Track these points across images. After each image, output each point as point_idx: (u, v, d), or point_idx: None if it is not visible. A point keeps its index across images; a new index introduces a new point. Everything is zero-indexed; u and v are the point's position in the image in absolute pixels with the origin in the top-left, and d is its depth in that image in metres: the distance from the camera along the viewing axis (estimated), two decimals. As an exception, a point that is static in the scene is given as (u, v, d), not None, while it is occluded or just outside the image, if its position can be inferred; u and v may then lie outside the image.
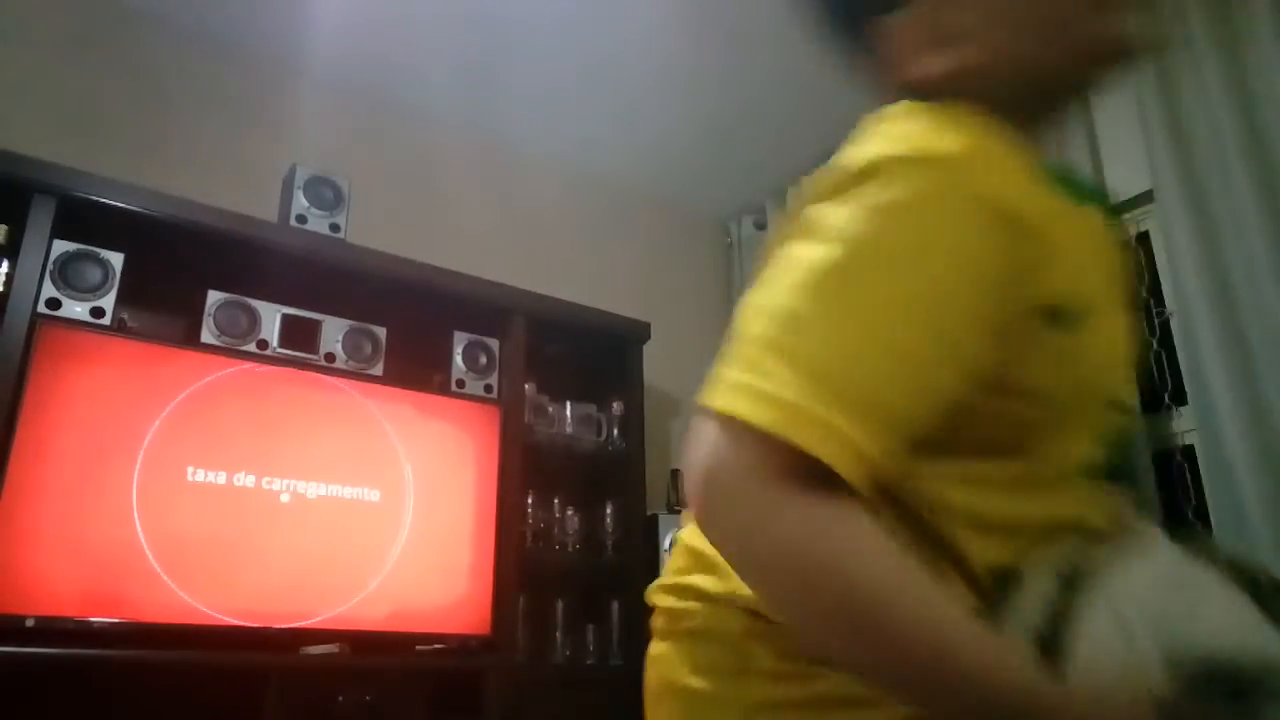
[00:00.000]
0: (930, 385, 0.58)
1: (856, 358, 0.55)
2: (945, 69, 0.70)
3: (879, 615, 0.50)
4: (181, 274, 2.46)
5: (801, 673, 0.62)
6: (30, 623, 1.91)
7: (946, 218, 0.59)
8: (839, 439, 0.53)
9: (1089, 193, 0.75)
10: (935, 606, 0.52)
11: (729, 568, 0.59)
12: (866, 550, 0.52)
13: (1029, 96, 0.70)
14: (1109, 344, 0.68)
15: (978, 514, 0.63)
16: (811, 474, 0.53)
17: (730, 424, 0.55)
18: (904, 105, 0.67)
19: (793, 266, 0.60)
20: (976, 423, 0.62)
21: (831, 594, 0.51)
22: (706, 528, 0.57)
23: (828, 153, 0.69)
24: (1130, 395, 0.94)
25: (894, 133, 0.64)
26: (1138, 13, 0.69)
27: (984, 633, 0.53)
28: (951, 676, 0.50)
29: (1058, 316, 0.62)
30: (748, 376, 0.56)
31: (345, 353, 2.56)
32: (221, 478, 2.23)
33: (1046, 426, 0.65)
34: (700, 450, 0.56)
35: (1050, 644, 0.56)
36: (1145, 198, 2.69)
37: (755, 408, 0.54)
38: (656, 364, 3.35)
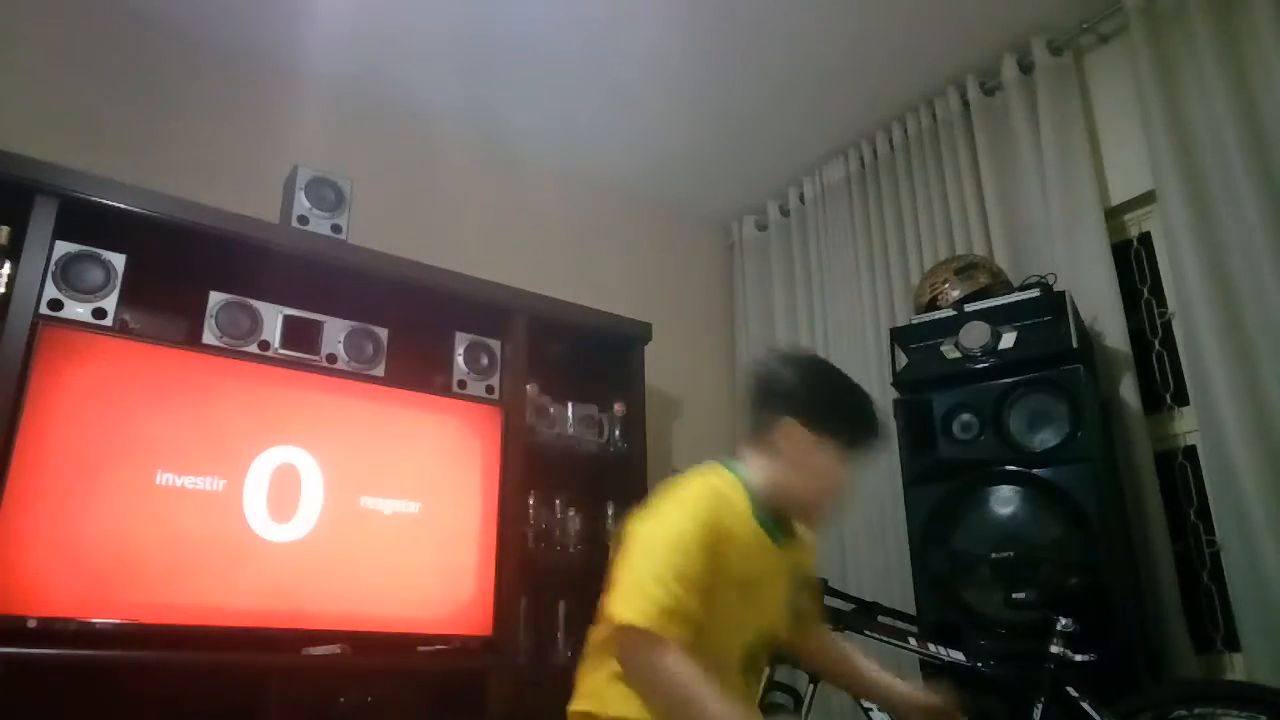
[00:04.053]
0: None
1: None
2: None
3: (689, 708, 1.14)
4: (183, 275, 2.46)
5: None
6: (32, 624, 1.92)
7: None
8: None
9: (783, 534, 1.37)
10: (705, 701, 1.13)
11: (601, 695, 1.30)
12: (681, 675, 1.16)
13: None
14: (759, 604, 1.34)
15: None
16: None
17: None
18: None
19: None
20: None
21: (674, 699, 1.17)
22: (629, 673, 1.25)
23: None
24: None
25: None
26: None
27: (723, 708, 1.11)
28: None
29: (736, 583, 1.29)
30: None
31: (347, 354, 2.56)
32: (223, 478, 2.23)
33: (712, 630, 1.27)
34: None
35: None
36: (1147, 198, 2.69)
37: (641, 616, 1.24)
38: (658, 365, 3.35)
